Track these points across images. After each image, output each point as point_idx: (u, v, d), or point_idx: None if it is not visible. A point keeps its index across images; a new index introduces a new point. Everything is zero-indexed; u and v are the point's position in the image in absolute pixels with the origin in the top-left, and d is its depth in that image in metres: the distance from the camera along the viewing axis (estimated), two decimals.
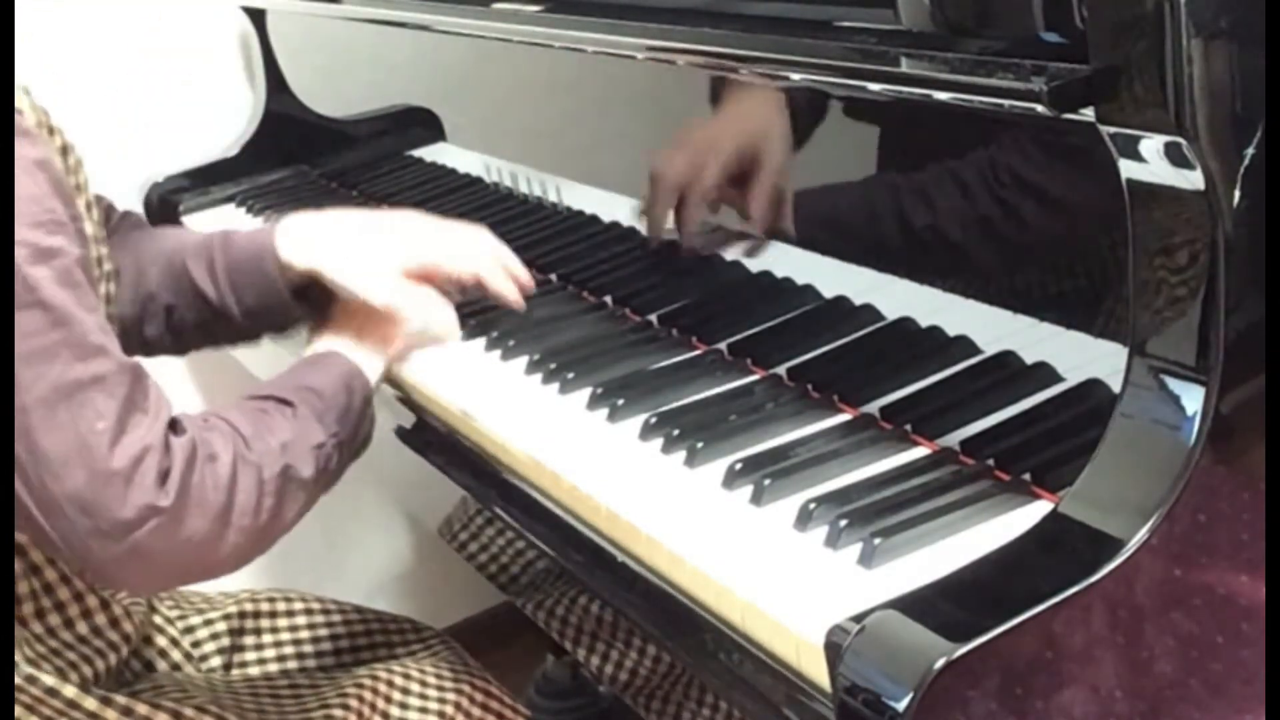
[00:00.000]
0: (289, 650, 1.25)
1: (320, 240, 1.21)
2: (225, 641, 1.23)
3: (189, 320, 1.23)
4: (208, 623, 1.23)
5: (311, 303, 1.22)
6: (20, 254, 0.88)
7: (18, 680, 0.97)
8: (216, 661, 1.23)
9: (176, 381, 1.99)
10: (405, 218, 1.27)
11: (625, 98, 1.29)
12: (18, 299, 0.87)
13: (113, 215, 1.28)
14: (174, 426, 0.95)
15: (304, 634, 1.26)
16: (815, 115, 1.08)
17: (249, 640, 1.24)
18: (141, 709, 1.03)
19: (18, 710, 0.98)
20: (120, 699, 1.03)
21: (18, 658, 1.00)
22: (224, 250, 1.22)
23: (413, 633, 1.27)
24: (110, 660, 1.08)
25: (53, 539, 0.90)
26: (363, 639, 1.26)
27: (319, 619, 1.27)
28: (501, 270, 1.23)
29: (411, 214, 1.29)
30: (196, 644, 1.22)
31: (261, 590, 1.29)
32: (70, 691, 1.01)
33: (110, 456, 0.89)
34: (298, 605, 1.28)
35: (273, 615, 1.26)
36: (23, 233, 0.89)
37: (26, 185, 0.90)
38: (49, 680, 1.01)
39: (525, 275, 1.25)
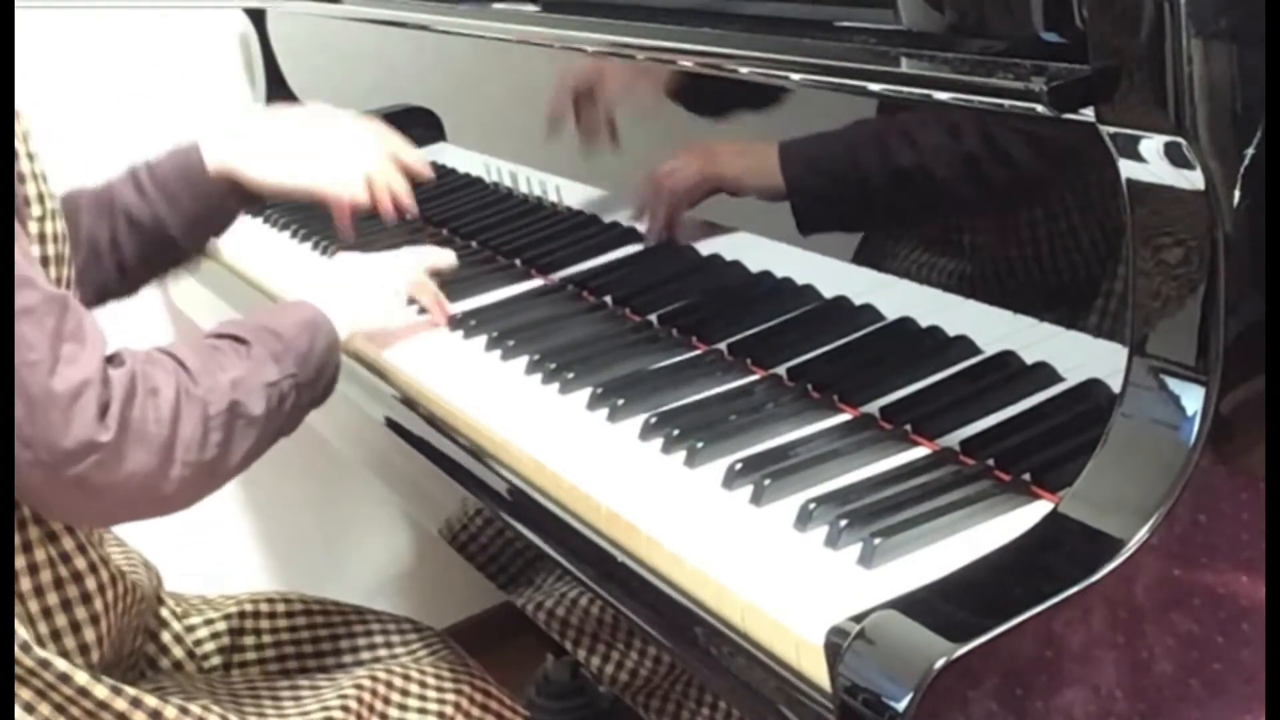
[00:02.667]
0: (289, 650, 1.24)
1: (236, 145, 1.29)
2: (226, 641, 1.23)
3: (130, 249, 1.27)
4: (208, 622, 1.23)
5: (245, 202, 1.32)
6: None
7: (30, 663, 0.97)
8: (217, 660, 1.23)
9: None
10: (309, 123, 1.36)
11: (626, 98, 1.29)
12: None
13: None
14: (113, 360, 0.94)
15: (304, 634, 1.25)
16: (814, 115, 1.08)
17: (249, 640, 1.24)
18: (151, 701, 1.03)
19: (29, 694, 0.98)
20: (130, 690, 1.03)
21: (27, 637, 0.99)
22: (147, 168, 1.28)
23: (413, 632, 1.27)
24: (105, 651, 1.07)
25: None
26: (362, 639, 1.26)
27: (319, 619, 1.27)
28: (384, 188, 1.34)
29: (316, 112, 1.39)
30: (198, 643, 1.22)
31: (261, 592, 1.29)
32: (82, 679, 1.01)
33: (47, 385, 0.88)
34: (298, 606, 1.28)
35: (272, 616, 1.26)
36: None
37: None
38: (61, 666, 1.00)
39: (422, 170, 1.38)
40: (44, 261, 1.00)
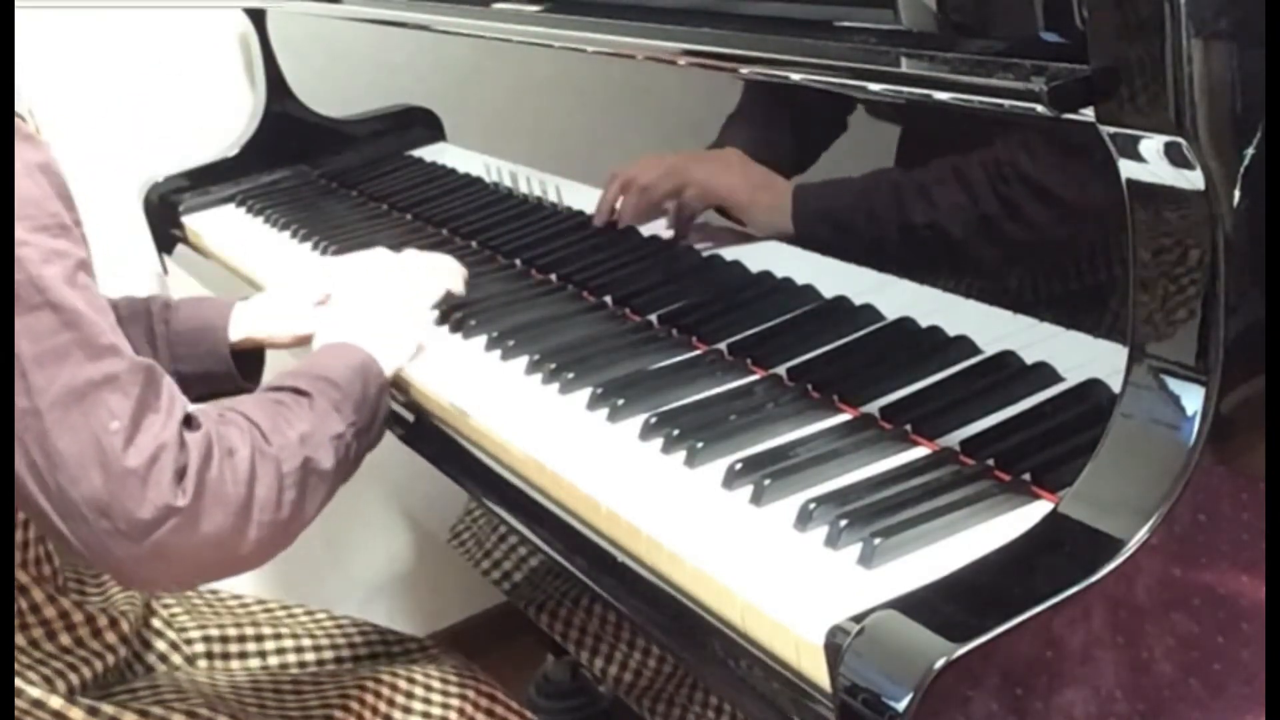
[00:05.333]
0: (291, 658, 1.24)
1: (261, 314, 1.28)
2: (232, 648, 1.23)
3: None
4: (201, 628, 1.23)
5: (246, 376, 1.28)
6: (28, 255, 0.88)
7: None
8: (219, 665, 1.23)
9: None
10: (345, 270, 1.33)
11: (625, 98, 1.29)
12: (28, 301, 0.87)
13: None
14: (189, 422, 0.94)
15: (306, 641, 1.25)
16: (815, 117, 1.08)
17: (251, 647, 1.24)
18: (129, 717, 1.03)
19: None
20: (108, 708, 1.02)
21: None
22: (165, 320, 1.26)
23: (418, 651, 1.27)
24: (96, 667, 1.07)
25: (72, 543, 0.89)
26: (363, 649, 1.26)
27: (319, 630, 1.26)
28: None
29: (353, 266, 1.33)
30: (195, 653, 1.21)
31: (257, 601, 1.29)
32: (56, 703, 1.01)
33: (125, 456, 0.88)
34: (302, 616, 1.28)
35: (274, 623, 1.26)
36: (29, 235, 0.88)
37: (29, 188, 0.90)
38: (35, 693, 1.00)
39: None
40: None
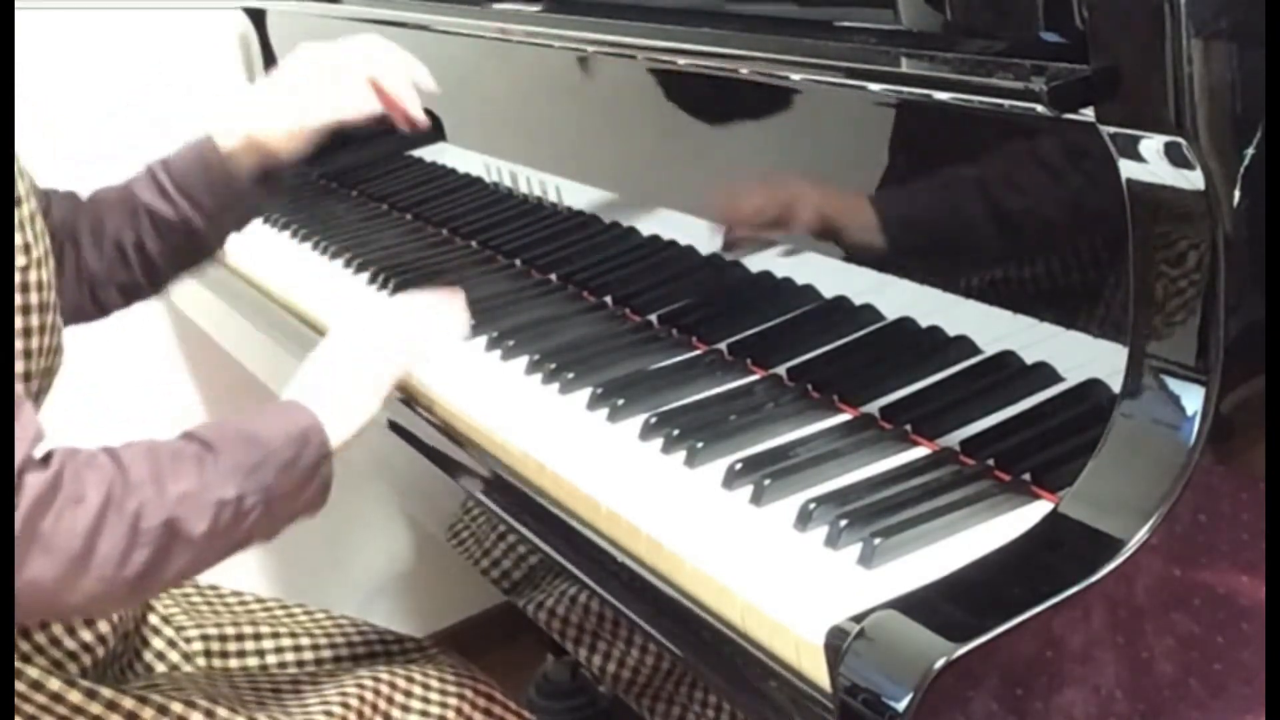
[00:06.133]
0: (290, 658, 1.24)
1: (243, 112, 1.25)
2: (230, 647, 1.23)
3: (156, 250, 1.24)
4: (199, 627, 1.22)
5: (268, 185, 1.26)
6: None
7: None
8: (217, 663, 1.22)
9: (177, 382, 1.99)
10: (300, 60, 1.30)
11: (625, 98, 1.29)
12: None
13: (53, 200, 1.27)
14: (45, 462, 0.89)
15: (304, 641, 1.25)
16: (813, 115, 1.08)
17: (250, 646, 1.24)
18: (128, 703, 1.03)
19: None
20: (106, 692, 1.03)
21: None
22: (166, 168, 1.24)
23: (416, 651, 1.27)
24: (85, 661, 1.07)
25: None
26: (361, 648, 1.26)
27: (318, 630, 1.26)
28: (405, 78, 1.27)
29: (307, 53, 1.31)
30: (194, 651, 1.21)
31: (256, 600, 1.28)
32: (55, 684, 1.01)
33: None
34: (301, 616, 1.27)
35: (273, 623, 1.25)
36: None
37: None
38: (34, 673, 1.00)
39: (428, 82, 1.29)
40: (24, 310, 0.99)
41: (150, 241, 1.24)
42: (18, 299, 0.99)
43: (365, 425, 1.10)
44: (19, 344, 0.99)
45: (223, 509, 0.95)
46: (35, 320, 1.01)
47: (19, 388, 0.90)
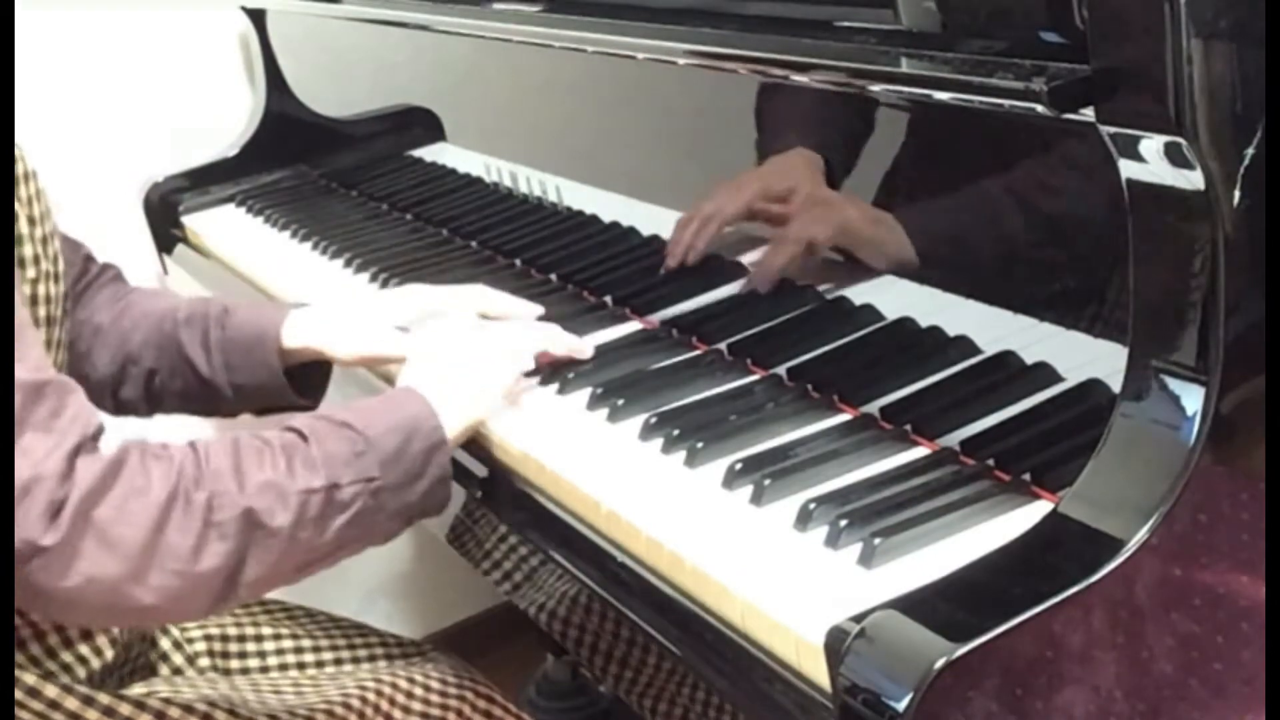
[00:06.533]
0: (291, 659, 1.24)
1: (322, 322, 1.20)
2: (232, 647, 1.23)
3: (171, 388, 1.20)
4: (202, 627, 1.22)
5: (304, 391, 1.22)
6: None
7: None
8: (219, 663, 1.23)
9: None
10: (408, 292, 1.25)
11: (625, 98, 1.29)
12: None
13: (91, 267, 1.26)
14: (95, 446, 0.86)
15: (306, 643, 1.25)
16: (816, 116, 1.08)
17: (251, 648, 1.24)
18: (125, 709, 1.02)
19: None
20: (103, 698, 1.02)
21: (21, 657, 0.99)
22: (221, 325, 1.19)
23: (417, 654, 1.27)
24: (79, 674, 1.07)
25: None
26: (363, 651, 1.26)
27: (319, 631, 1.26)
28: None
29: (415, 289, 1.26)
30: (197, 651, 1.21)
31: (258, 602, 1.28)
32: (52, 691, 1.00)
33: None
34: (303, 619, 1.27)
35: (275, 624, 1.25)
36: None
37: None
38: (30, 680, 1.00)
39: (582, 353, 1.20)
40: (32, 324, 0.97)
41: (169, 379, 1.20)
42: (25, 313, 0.98)
43: (478, 422, 1.07)
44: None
45: (310, 499, 0.91)
46: (42, 335, 1.00)
47: (60, 385, 0.87)
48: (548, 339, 1.18)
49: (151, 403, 1.23)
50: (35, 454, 0.82)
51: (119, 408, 1.22)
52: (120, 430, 0.92)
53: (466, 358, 1.09)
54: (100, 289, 1.25)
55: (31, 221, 1.00)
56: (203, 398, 1.21)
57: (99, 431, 0.87)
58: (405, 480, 0.97)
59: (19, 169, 1.01)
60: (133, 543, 0.85)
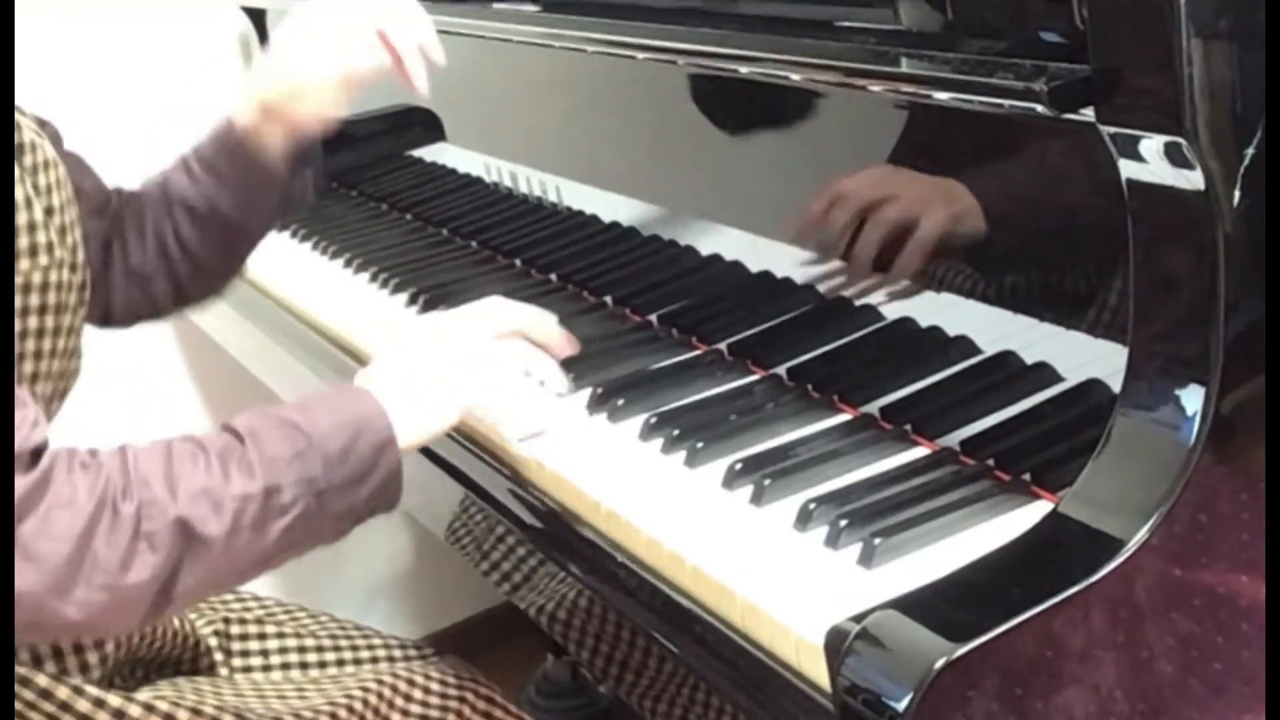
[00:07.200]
0: (294, 659, 1.24)
1: (251, 80, 1.19)
2: (234, 646, 1.23)
3: (195, 241, 1.19)
4: (210, 623, 1.22)
5: (299, 161, 1.20)
6: None
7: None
8: (220, 659, 1.22)
9: (177, 383, 1.99)
10: (304, 14, 1.21)
11: (625, 98, 1.29)
12: None
13: (113, 200, 1.25)
14: (34, 464, 0.83)
15: (309, 642, 1.25)
16: (814, 116, 1.08)
17: (254, 646, 1.23)
18: (134, 710, 1.02)
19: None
20: (113, 700, 1.02)
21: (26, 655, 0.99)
22: (196, 153, 1.19)
23: (417, 655, 1.27)
24: (104, 669, 1.07)
25: None
26: (364, 651, 1.25)
27: (322, 632, 1.26)
28: (413, 39, 1.18)
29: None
30: (208, 647, 1.21)
31: (256, 601, 1.28)
32: (63, 693, 1.00)
33: None
34: (305, 619, 1.27)
35: (277, 625, 1.25)
36: None
37: None
38: (42, 681, 1.00)
39: (437, 52, 1.20)
40: (40, 310, 0.97)
41: (187, 231, 1.18)
42: (35, 299, 0.97)
43: (439, 430, 1.02)
44: (31, 344, 0.97)
45: (246, 505, 0.88)
46: (51, 321, 1.00)
47: (22, 390, 0.87)
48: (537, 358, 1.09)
49: (195, 270, 1.20)
50: None
51: (179, 295, 1.22)
52: (60, 438, 0.90)
53: (443, 361, 1.03)
54: (128, 210, 1.24)
55: (49, 211, 1.00)
56: (222, 233, 1.18)
57: (38, 448, 0.85)
58: (351, 480, 0.94)
59: (39, 156, 1.01)
60: (56, 556, 0.82)
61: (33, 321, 0.98)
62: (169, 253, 1.20)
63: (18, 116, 1.00)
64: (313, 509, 0.92)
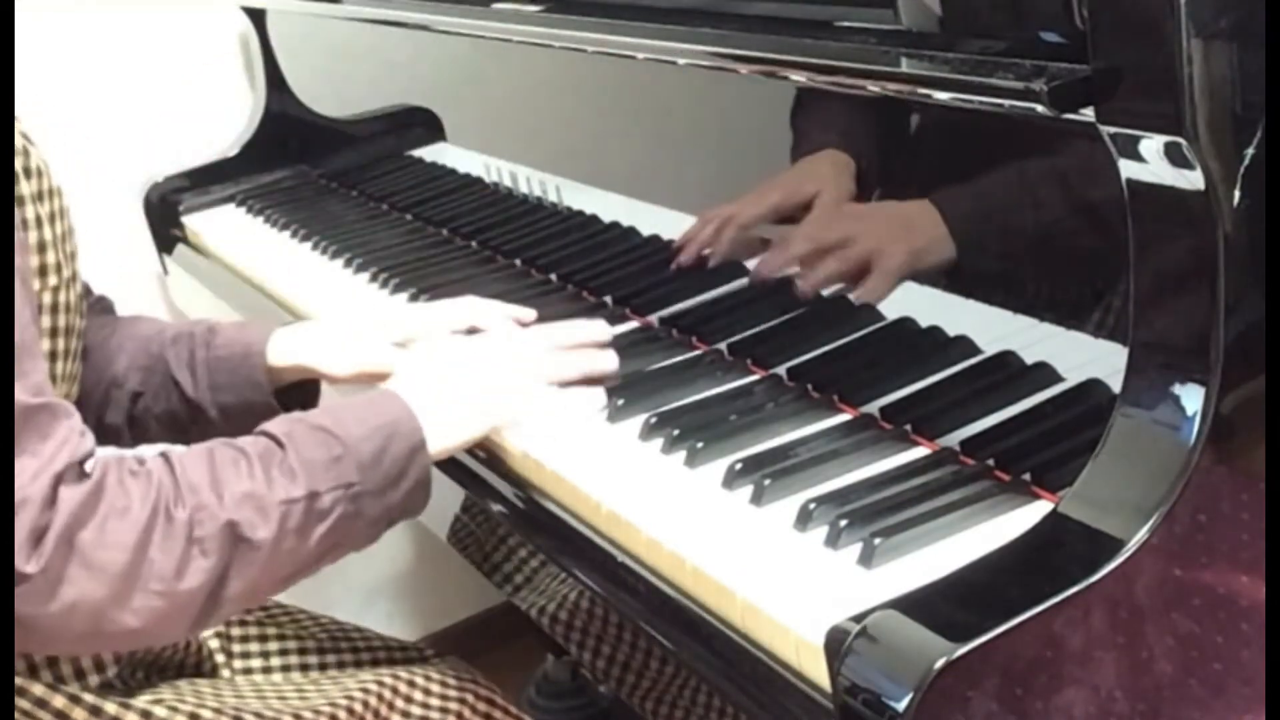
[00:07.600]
0: (294, 660, 1.24)
1: (311, 338, 1.19)
2: (235, 648, 1.23)
3: (155, 410, 1.18)
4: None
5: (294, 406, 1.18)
6: None
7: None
8: (221, 660, 1.22)
9: None
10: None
11: (625, 98, 1.29)
12: None
13: (89, 295, 1.23)
14: (83, 472, 0.84)
15: (310, 644, 1.25)
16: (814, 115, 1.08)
17: (254, 648, 1.23)
18: (131, 717, 1.02)
19: None
20: (110, 707, 1.02)
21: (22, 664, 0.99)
22: (207, 344, 1.17)
23: (418, 656, 1.27)
24: (107, 673, 1.07)
25: None
26: (365, 654, 1.25)
27: (322, 633, 1.26)
28: (499, 313, 1.20)
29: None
30: (211, 649, 1.21)
31: (258, 606, 1.28)
32: (60, 702, 1.00)
33: None
34: (305, 621, 1.27)
35: (277, 626, 1.25)
36: None
37: None
38: (38, 691, 1.00)
39: (525, 314, 1.21)
40: (52, 332, 0.97)
41: (153, 401, 1.18)
42: (46, 321, 0.96)
43: (467, 442, 1.04)
44: (44, 367, 0.94)
45: (290, 509, 0.89)
46: (61, 344, 0.99)
47: (48, 405, 0.86)
48: (570, 367, 1.12)
49: (135, 429, 1.20)
50: (21, 478, 0.81)
51: (101, 434, 1.18)
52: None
53: (473, 370, 1.07)
54: (93, 318, 1.23)
55: (57, 238, 1.00)
56: (188, 420, 1.19)
57: (87, 456, 0.86)
58: (385, 484, 0.96)
59: (44, 184, 1.00)
60: (115, 565, 0.83)
61: (45, 345, 0.97)
62: (116, 402, 1.19)
63: (27, 145, 0.99)
64: (350, 513, 0.94)
